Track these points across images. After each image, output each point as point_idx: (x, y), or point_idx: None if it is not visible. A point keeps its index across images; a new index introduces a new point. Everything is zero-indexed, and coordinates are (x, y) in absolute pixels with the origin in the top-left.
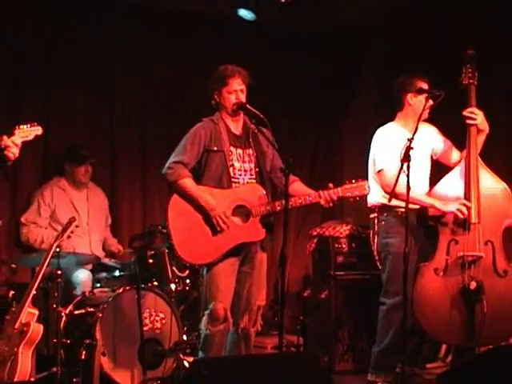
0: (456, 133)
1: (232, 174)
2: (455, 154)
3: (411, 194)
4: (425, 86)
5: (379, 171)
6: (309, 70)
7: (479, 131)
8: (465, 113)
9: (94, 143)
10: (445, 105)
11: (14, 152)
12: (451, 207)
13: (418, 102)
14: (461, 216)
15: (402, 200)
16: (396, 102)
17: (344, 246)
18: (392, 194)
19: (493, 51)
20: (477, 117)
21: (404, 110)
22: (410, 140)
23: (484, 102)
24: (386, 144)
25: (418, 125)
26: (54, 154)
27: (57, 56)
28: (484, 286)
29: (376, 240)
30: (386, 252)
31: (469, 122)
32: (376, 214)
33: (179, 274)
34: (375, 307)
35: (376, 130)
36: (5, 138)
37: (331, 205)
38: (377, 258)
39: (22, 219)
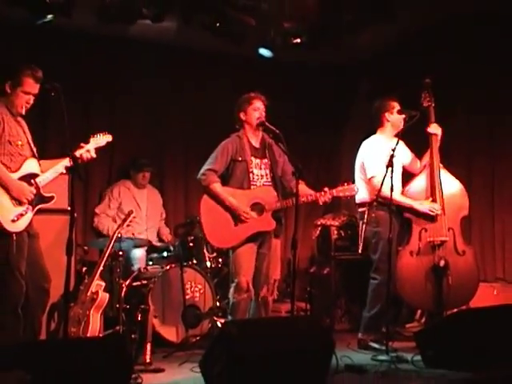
0: (412, 143)
1: (251, 179)
2: (417, 163)
3: (397, 197)
4: (397, 105)
5: (370, 178)
6: (315, 93)
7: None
8: (431, 129)
9: (147, 153)
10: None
11: (91, 154)
12: (425, 208)
13: (394, 119)
14: (432, 214)
15: (388, 199)
16: (375, 120)
17: (341, 232)
18: (379, 196)
19: (451, 79)
20: (438, 132)
21: (384, 126)
22: (393, 150)
23: (443, 118)
24: (373, 155)
25: (399, 138)
26: (117, 163)
27: (119, 88)
28: (449, 264)
29: (366, 228)
30: (377, 238)
31: (433, 135)
32: (365, 209)
33: (209, 255)
34: (366, 280)
35: (363, 141)
36: (82, 144)
37: (327, 203)
38: (362, 242)
39: (96, 210)
